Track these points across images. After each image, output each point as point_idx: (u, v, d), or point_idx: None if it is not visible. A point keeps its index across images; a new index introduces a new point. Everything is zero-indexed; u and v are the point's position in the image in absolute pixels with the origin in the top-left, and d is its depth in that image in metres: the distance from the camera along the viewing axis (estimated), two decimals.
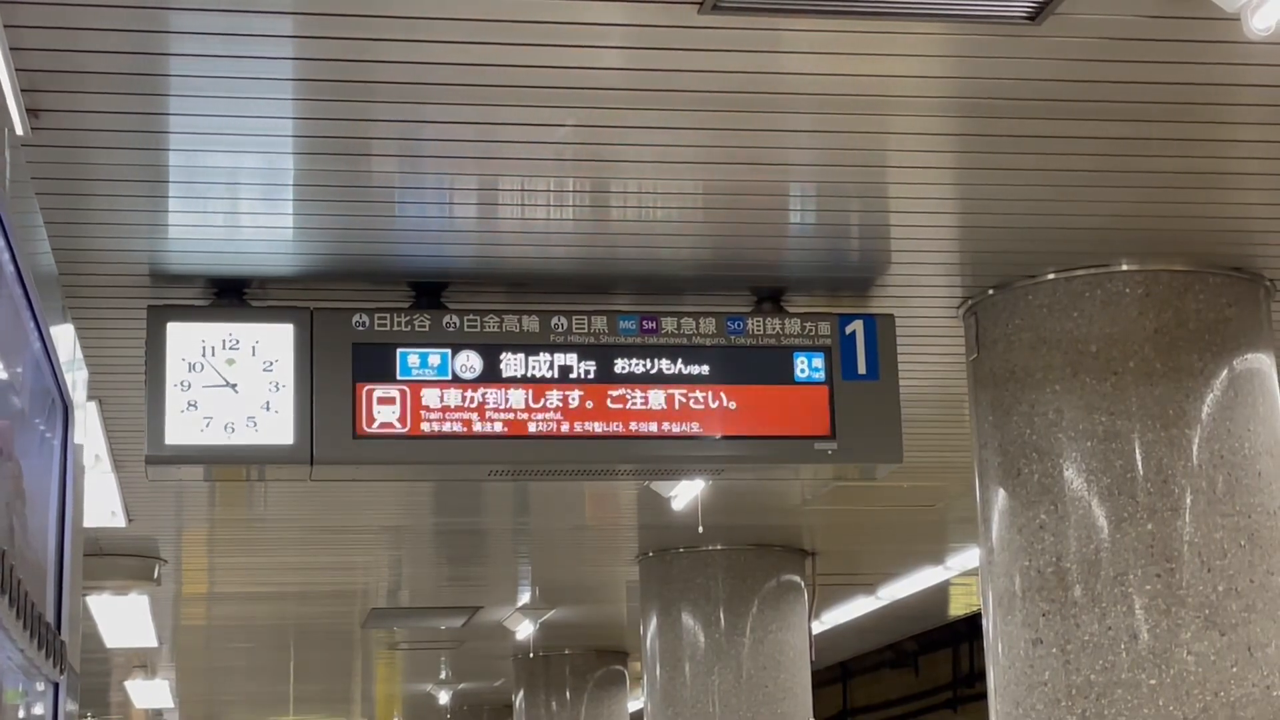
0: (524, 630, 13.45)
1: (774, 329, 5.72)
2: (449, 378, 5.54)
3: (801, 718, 10.25)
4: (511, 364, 5.58)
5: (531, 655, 14.99)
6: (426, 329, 5.54)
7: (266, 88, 4.35)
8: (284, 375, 5.44)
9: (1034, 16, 4.05)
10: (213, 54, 4.15)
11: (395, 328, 5.53)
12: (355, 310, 5.52)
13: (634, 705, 15.13)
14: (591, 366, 5.62)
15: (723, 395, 5.67)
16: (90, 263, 5.48)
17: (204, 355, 5.42)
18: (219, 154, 4.75)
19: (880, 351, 5.76)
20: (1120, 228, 5.47)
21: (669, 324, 5.67)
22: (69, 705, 3.53)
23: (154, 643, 13.45)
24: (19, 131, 4.35)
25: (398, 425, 5.49)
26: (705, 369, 5.66)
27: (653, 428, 5.63)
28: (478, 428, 5.54)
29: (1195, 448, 5.62)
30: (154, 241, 5.36)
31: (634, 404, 5.63)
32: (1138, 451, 5.62)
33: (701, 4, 3.96)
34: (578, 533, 10.45)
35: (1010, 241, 5.58)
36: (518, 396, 5.57)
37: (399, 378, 5.51)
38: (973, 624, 14.96)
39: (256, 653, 15.34)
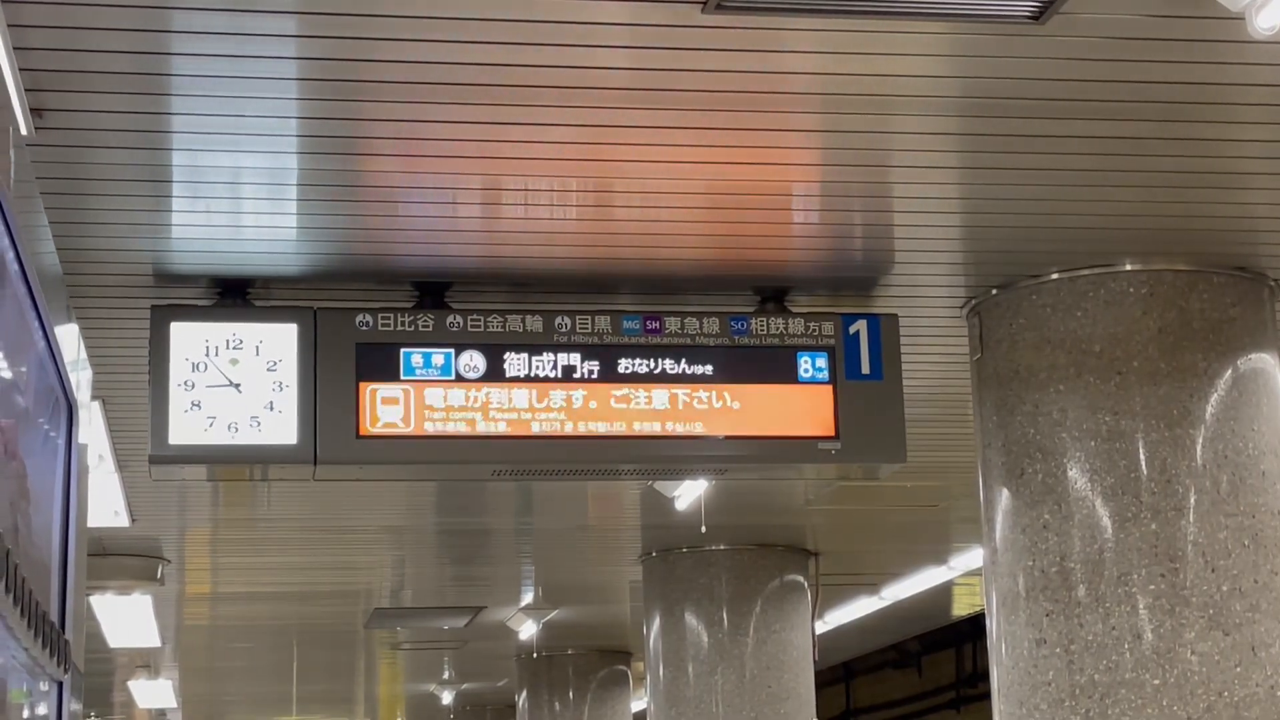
0: (527, 630, 13.45)
1: (777, 329, 5.72)
2: (452, 377, 5.54)
3: (805, 718, 10.25)
4: (515, 364, 5.58)
5: (534, 655, 14.99)
6: (430, 329, 5.54)
7: (270, 87, 4.35)
8: (287, 375, 5.44)
9: (1038, 16, 4.05)
10: (216, 54, 4.15)
11: (399, 327, 5.53)
12: (359, 310, 5.52)
13: (637, 705, 15.12)
14: (595, 366, 5.62)
15: (726, 395, 5.67)
16: (94, 262, 5.48)
17: (207, 355, 5.42)
18: (223, 153, 4.75)
19: (884, 351, 5.76)
20: (1124, 227, 5.46)
21: (672, 324, 5.67)
22: (73, 705, 3.53)
23: (157, 642, 13.46)
24: (23, 131, 4.35)
25: (401, 425, 5.49)
26: (709, 369, 5.66)
27: (656, 428, 5.63)
28: (481, 428, 5.54)
29: (1199, 448, 5.62)
30: (158, 241, 5.36)
31: (637, 404, 5.62)
32: (1141, 451, 5.62)
33: (705, 3, 3.95)
34: (581, 533, 10.45)
35: (1014, 241, 5.58)
36: (521, 396, 5.57)
37: (402, 377, 5.51)
38: (976, 624, 14.97)
39: (259, 653, 15.35)
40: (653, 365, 5.64)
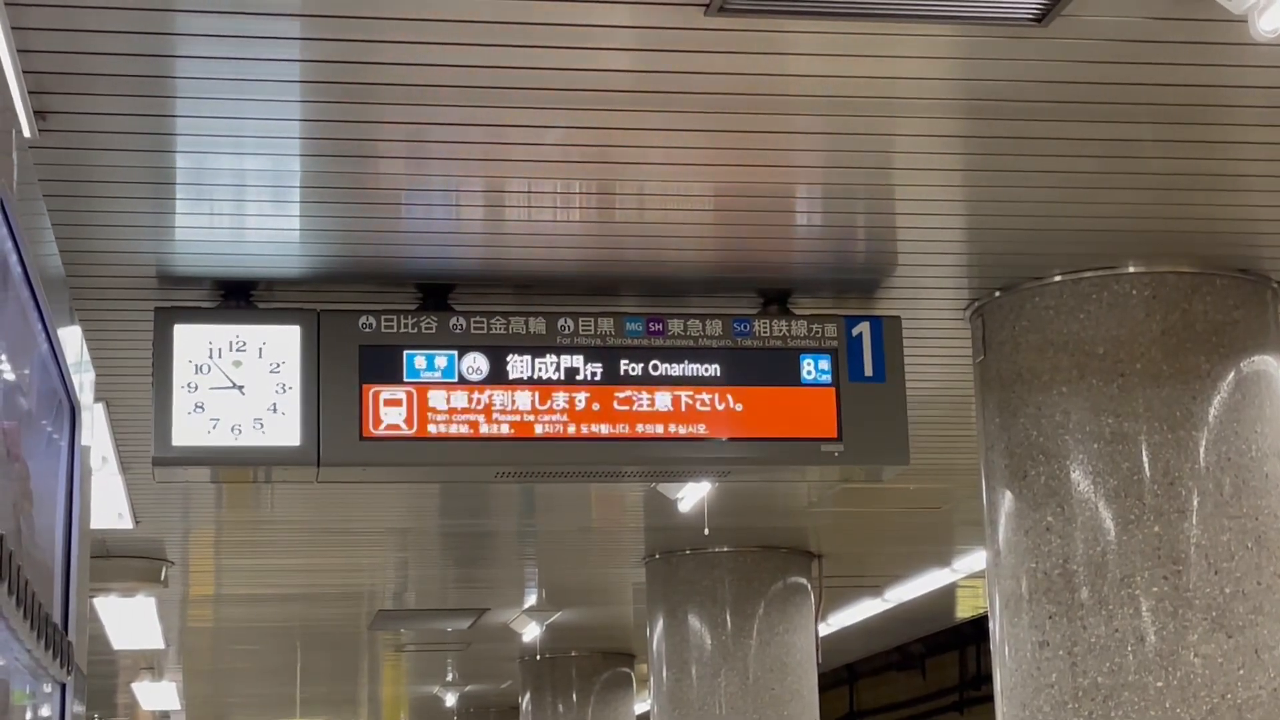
0: (530, 632, 13.45)
1: (780, 331, 5.72)
2: (455, 380, 5.54)
3: None
4: (518, 366, 5.58)
5: (538, 657, 14.99)
6: (433, 331, 5.55)
7: (273, 90, 4.35)
8: (291, 377, 5.45)
9: (1041, 18, 4.05)
10: (219, 56, 4.15)
11: (402, 330, 5.53)
12: (362, 312, 5.53)
13: (640, 707, 15.12)
14: (598, 368, 5.62)
15: (729, 397, 5.67)
16: (97, 264, 5.48)
17: (211, 357, 5.42)
18: (226, 156, 4.75)
19: (887, 353, 5.76)
20: (1127, 229, 5.46)
21: (675, 326, 5.67)
22: (76, 706, 3.54)
23: (161, 644, 13.46)
24: (26, 133, 4.36)
25: (404, 427, 5.50)
26: (712, 371, 5.66)
27: (659, 430, 5.63)
28: (484, 429, 5.54)
29: (1202, 450, 5.62)
30: (161, 243, 5.37)
31: (640, 406, 5.63)
32: (1145, 453, 5.62)
33: (708, 6, 3.96)
34: (584, 535, 10.45)
35: (1017, 243, 5.58)
36: (524, 398, 5.57)
37: (405, 379, 5.51)
38: (979, 626, 14.97)
39: (263, 654, 15.35)
40: (655, 367, 5.64)
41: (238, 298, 5.64)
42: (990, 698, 6.20)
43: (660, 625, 10.49)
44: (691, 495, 8.50)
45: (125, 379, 6.43)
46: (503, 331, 5.58)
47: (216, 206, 5.12)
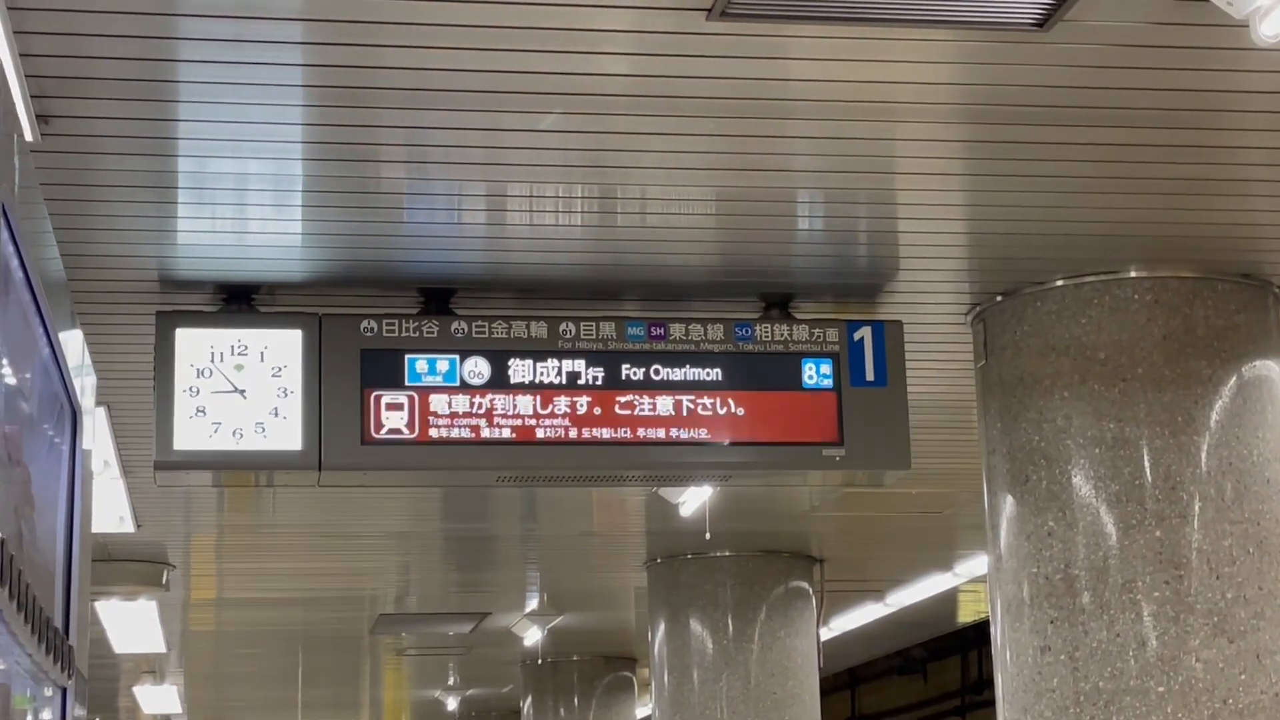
0: (532, 636, 13.45)
1: (782, 335, 5.72)
2: (457, 384, 5.54)
3: None
4: (520, 370, 5.58)
5: (539, 661, 14.99)
6: (435, 335, 5.55)
7: (275, 94, 4.35)
8: (292, 381, 5.45)
9: (1042, 23, 4.05)
10: (221, 60, 4.15)
11: (403, 334, 5.53)
12: (364, 316, 5.53)
13: (642, 712, 15.12)
14: (600, 373, 5.62)
15: (731, 401, 5.67)
16: (99, 268, 5.48)
17: (213, 361, 5.42)
18: (227, 160, 4.75)
19: (888, 358, 5.76)
20: (1128, 234, 5.46)
21: (677, 330, 5.67)
22: (77, 710, 3.54)
23: (162, 648, 13.45)
24: (29, 138, 4.36)
25: (406, 431, 5.50)
26: (713, 375, 5.66)
27: (661, 434, 5.63)
28: (486, 434, 5.54)
29: (1204, 454, 5.62)
30: (163, 247, 5.37)
31: (642, 410, 5.63)
32: (1146, 458, 5.62)
33: (709, 11, 3.96)
34: (585, 539, 10.45)
35: (1018, 248, 5.58)
36: (526, 402, 5.57)
37: (407, 384, 5.51)
38: (981, 631, 14.96)
39: (265, 658, 15.34)
40: (657, 371, 5.64)
41: (239, 302, 5.64)
42: (992, 703, 6.19)
43: (662, 629, 10.49)
44: (693, 499, 8.50)
45: (127, 383, 6.43)
46: (504, 335, 5.59)
47: (218, 210, 5.12)
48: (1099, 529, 5.62)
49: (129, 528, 8.75)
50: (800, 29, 4.09)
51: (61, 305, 3.54)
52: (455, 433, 5.52)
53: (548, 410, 5.58)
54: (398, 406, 5.50)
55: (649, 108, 4.48)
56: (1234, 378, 5.68)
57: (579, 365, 5.61)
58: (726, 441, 5.66)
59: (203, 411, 5.39)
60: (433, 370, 5.54)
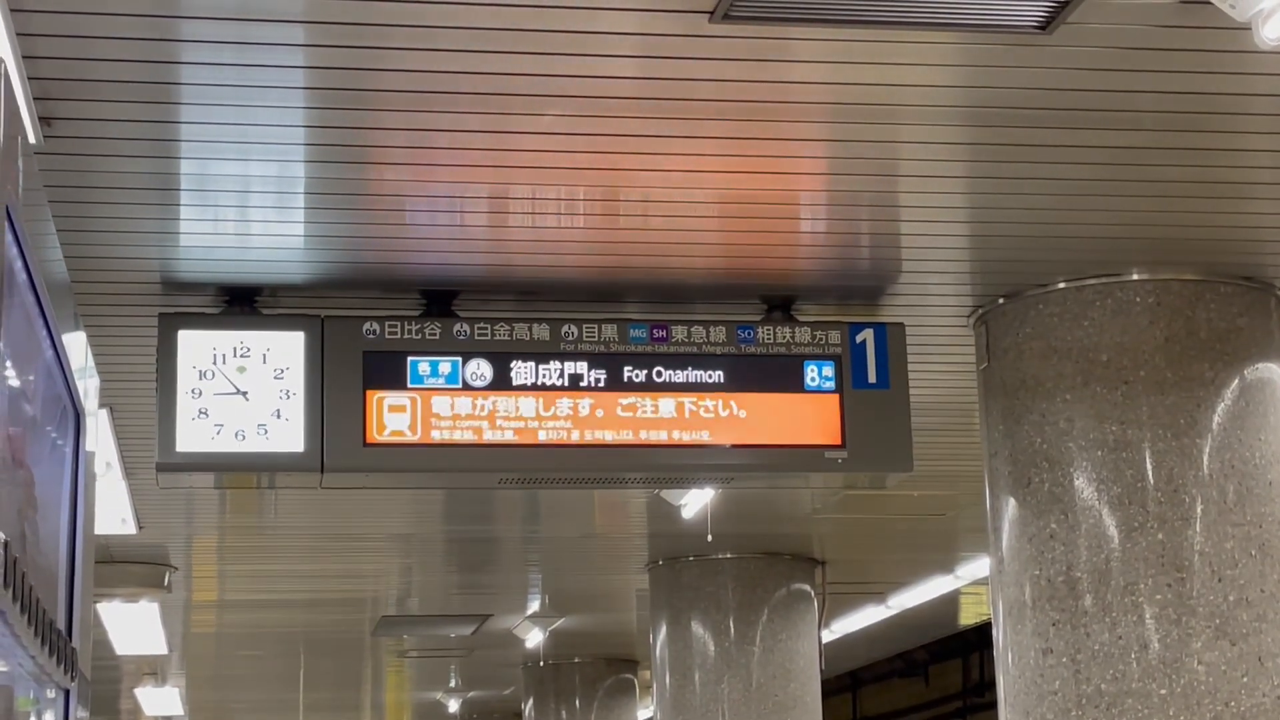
0: (534, 638, 13.45)
1: (784, 338, 5.72)
2: (459, 386, 5.54)
3: None
4: (522, 372, 5.58)
5: (541, 663, 14.99)
6: (437, 337, 5.55)
7: (277, 96, 4.36)
8: (295, 383, 5.45)
9: (1045, 26, 4.05)
10: (224, 63, 4.15)
11: (406, 336, 5.53)
12: (366, 318, 5.53)
13: (643, 714, 15.11)
14: (602, 375, 5.62)
15: (733, 404, 5.67)
16: (102, 270, 5.49)
17: (215, 363, 5.42)
18: (230, 162, 4.75)
19: (890, 360, 5.76)
20: (1131, 237, 5.46)
21: (679, 332, 5.67)
22: (80, 712, 3.54)
23: (164, 650, 13.46)
24: (32, 140, 4.36)
25: (408, 433, 5.50)
26: (715, 377, 5.66)
27: (663, 436, 5.63)
28: (488, 436, 5.54)
29: (1206, 457, 5.61)
30: (165, 249, 5.37)
31: (644, 412, 5.63)
32: (1148, 461, 5.62)
33: (713, 13, 3.96)
34: (587, 541, 10.45)
35: (1021, 250, 5.58)
36: (528, 405, 5.57)
37: (409, 386, 5.51)
38: (983, 633, 14.94)
39: (266, 660, 15.34)
40: (659, 374, 5.65)
41: (242, 304, 5.64)
42: (994, 705, 6.19)
43: (663, 631, 10.49)
44: (695, 502, 8.50)
45: (130, 384, 6.43)
46: (506, 338, 5.59)
47: (221, 212, 5.12)
48: (1101, 531, 5.61)
49: (131, 529, 8.76)
50: (802, 31, 4.09)
51: (65, 307, 3.54)
52: (457, 435, 5.53)
53: (550, 412, 5.58)
54: (400, 408, 5.50)
55: (651, 110, 4.48)
56: (1236, 380, 5.68)
57: (581, 367, 5.62)
58: (728, 444, 5.66)
59: (205, 413, 5.39)
60: (435, 372, 5.54)
